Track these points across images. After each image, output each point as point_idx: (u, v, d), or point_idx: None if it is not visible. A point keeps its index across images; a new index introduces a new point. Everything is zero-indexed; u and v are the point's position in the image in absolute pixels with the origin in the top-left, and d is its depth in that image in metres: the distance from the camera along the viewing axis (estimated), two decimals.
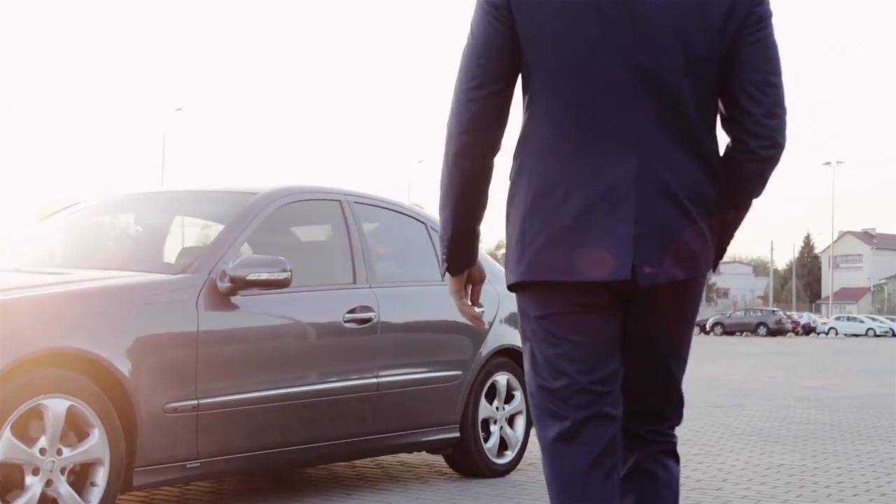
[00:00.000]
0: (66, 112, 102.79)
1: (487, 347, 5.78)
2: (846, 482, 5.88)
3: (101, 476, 3.93)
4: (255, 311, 4.61)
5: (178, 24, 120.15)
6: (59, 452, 3.83)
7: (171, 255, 4.98)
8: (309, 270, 4.97)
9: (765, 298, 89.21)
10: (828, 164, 74.60)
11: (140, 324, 4.16)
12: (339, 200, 5.35)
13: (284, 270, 4.49)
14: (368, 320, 5.08)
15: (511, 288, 2.39)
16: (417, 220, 5.85)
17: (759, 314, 59.02)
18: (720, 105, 2.33)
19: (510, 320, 5.82)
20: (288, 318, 4.78)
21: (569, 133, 2.24)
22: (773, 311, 59.85)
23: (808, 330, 62.23)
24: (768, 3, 2.30)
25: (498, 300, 5.90)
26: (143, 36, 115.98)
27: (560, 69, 2.24)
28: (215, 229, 5.00)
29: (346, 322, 4.99)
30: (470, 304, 2.52)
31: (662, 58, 2.21)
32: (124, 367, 4.02)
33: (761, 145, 2.31)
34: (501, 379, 5.88)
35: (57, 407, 3.80)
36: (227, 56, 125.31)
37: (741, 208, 2.41)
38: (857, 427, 8.82)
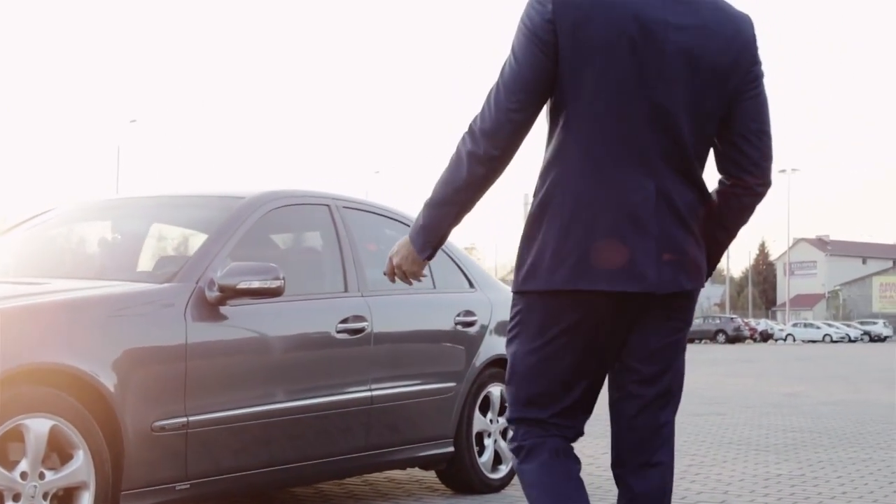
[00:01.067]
0: (20, 124, 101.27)
1: (481, 358, 5.55)
2: (850, 492, 5.72)
3: (86, 500, 3.64)
4: (245, 322, 4.34)
5: (133, 35, 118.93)
6: (42, 476, 3.54)
7: (151, 263, 4.71)
8: (298, 278, 4.71)
9: (721, 306, 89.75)
10: (783, 171, 75.17)
11: (126, 336, 3.88)
12: (327, 205, 5.09)
13: (277, 278, 4.23)
14: (361, 330, 4.83)
15: (535, 293, 2.57)
16: (407, 225, 5.61)
17: (718, 321, 59.31)
18: (720, 147, 2.69)
19: (501, 329, 5.60)
20: (279, 328, 4.51)
21: (597, 160, 2.52)
22: (732, 318, 60.18)
23: (766, 337, 62.68)
24: (761, 65, 2.69)
25: (490, 307, 5.69)
26: (97, 47, 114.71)
27: (594, 102, 2.51)
28: (198, 236, 4.74)
29: (338, 332, 4.73)
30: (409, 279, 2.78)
31: (677, 103, 2.54)
32: (110, 383, 3.74)
33: (757, 183, 2.70)
34: (495, 390, 5.65)
35: (39, 427, 3.52)
36: (181, 67, 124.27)
37: (732, 234, 2.78)
38: (843, 434, 8.69)
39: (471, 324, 5.53)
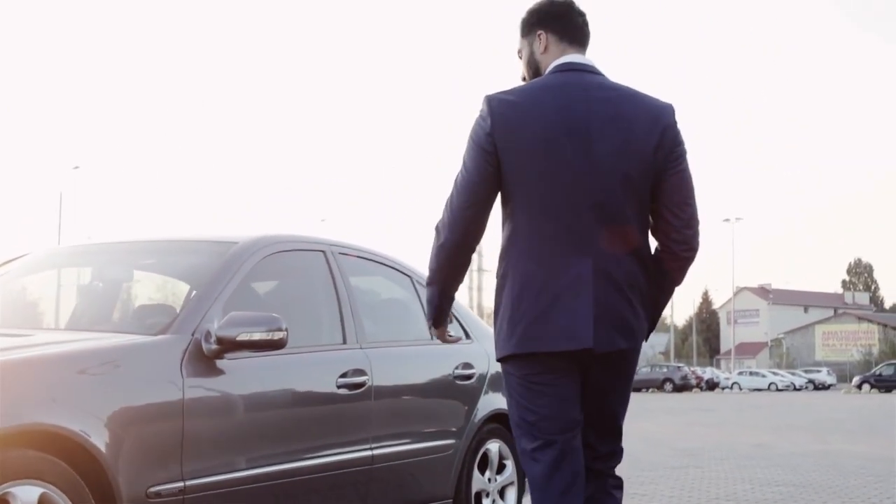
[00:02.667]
0: None
1: (479, 413, 5.26)
2: None
3: None
4: (244, 377, 4.01)
5: (76, 79, 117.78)
6: None
7: (138, 313, 4.36)
8: (296, 329, 4.37)
9: (666, 354, 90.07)
10: (727, 220, 75.90)
11: (119, 394, 3.53)
12: (323, 251, 4.79)
13: (279, 329, 3.92)
14: (362, 385, 4.52)
15: (502, 359, 3.17)
16: (403, 272, 5.32)
17: (665, 370, 59.32)
18: (650, 218, 3.15)
19: (498, 382, 5.31)
20: (279, 384, 4.18)
21: (542, 243, 3.02)
22: (679, 366, 60.22)
23: (712, 385, 62.80)
24: (684, 144, 3.13)
25: (488, 359, 5.41)
26: (39, 92, 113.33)
27: (534, 196, 3.01)
28: (185, 284, 4.41)
29: (339, 388, 4.42)
30: (448, 338, 3.51)
31: (612, 192, 3.02)
32: (103, 445, 3.39)
33: (681, 248, 3.13)
34: (493, 447, 5.35)
35: (27, 496, 3.15)
36: (125, 113, 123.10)
37: (667, 294, 3.23)
38: (832, 489, 8.47)
39: (469, 377, 5.25)
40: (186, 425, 3.69)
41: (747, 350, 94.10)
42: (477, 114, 3.07)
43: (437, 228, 3.14)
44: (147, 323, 4.14)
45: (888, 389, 52.76)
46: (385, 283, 5.29)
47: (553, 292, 2.99)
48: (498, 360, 3.19)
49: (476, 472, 5.25)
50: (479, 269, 66.96)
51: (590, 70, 3.15)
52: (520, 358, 3.08)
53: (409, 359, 4.98)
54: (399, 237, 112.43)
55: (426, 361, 5.10)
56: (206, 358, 3.84)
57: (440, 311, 3.32)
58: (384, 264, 5.25)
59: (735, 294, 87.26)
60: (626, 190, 3.02)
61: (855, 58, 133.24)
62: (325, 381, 4.38)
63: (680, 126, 3.14)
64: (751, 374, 67.56)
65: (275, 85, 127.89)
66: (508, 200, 3.06)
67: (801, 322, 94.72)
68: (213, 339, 3.86)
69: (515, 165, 3.00)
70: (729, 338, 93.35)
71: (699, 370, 65.93)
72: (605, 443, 3.26)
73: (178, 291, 4.47)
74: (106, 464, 3.39)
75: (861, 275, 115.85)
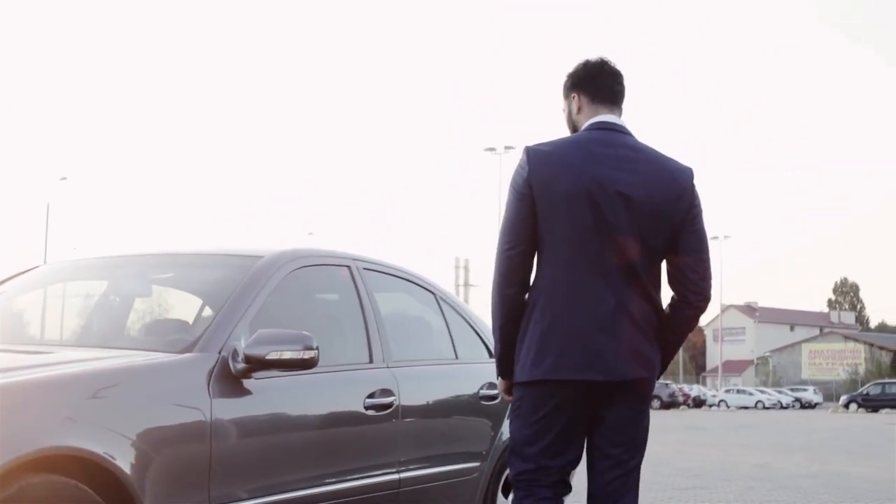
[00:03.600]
0: None
1: (504, 435, 5.07)
2: None
3: None
4: (272, 398, 3.82)
5: (63, 91, 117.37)
6: None
7: (159, 328, 4.18)
8: (322, 347, 4.18)
9: None
10: (715, 238, 75.85)
11: (145, 415, 3.34)
12: (348, 266, 4.61)
13: (310, 348, 3.74)
14: (389, 405, 4.34)
15: (523, 383, 3.41)
16: (427, 289, 5.15)
17: None
18: (669, 270, 3.49)
19: None
20: (308, 405, 4.00)
21: (569, 282, 3.34)
22: (667, 384, 60.06)
23: (699, 403, 62.69)
24: (700, 205, 3.48)
25: None
26: (26, 103, 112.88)
27: (565, 239, 3.34)
28: (209, 299, 4.23)
29: (366, 409, 4.24)
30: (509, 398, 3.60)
31: (629, 239, 3.33)
32: (128, 468, 3.20)
33: (697, 298, 3.48)
34: None
35: None
36: (113, 124, 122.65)
37: (681, 338, 3.57)
38: None
39: (494, 397, 5.07)
40: (214, 448, 3.50)
41: (733, 368, 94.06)
42: (516, 163, 3.46)
43: (493, 277, 3.48)
44: (167, 340, 3.95)
45: (875, 409, 52.72)
46: (408, 300, 5.12)
47: (580, 326, 3.31)
48: (517, 384, 3.44)
49: (500, 497, 5.08)
50: (466, 284, 66.98)
51: (619, 129, 3.49)
52: (540, 386, 3.36)
53: (436, 378, 4.81)
54: (399, 237, 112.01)
55: (452, 381, 4.93)
56: (233, 377, 3.66)
57: (504, 361, 3.51)
58: (407, 280, 5.08)
59: (722, 312, 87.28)
60: (644, 241, 3.36)
61: (841, 68, 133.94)
62: (353, 402, 4.20)
63: (697, 188, 3.50)
64: (738, 391, 67.50)
65: (272, 86, 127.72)
66: (541, 241, 3.37)
67: (787, 340, 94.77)
68: (240, 357, 3.67)
69: (548, 211, 3.34)
70: (714, 355, 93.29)
71: (686, 387, 65.81)
72: (623, 452, 3.49)
73: (195, 307, 4.29)
74: (132, 489, 3.20)
75: (847, 294, 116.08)
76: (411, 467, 4.43)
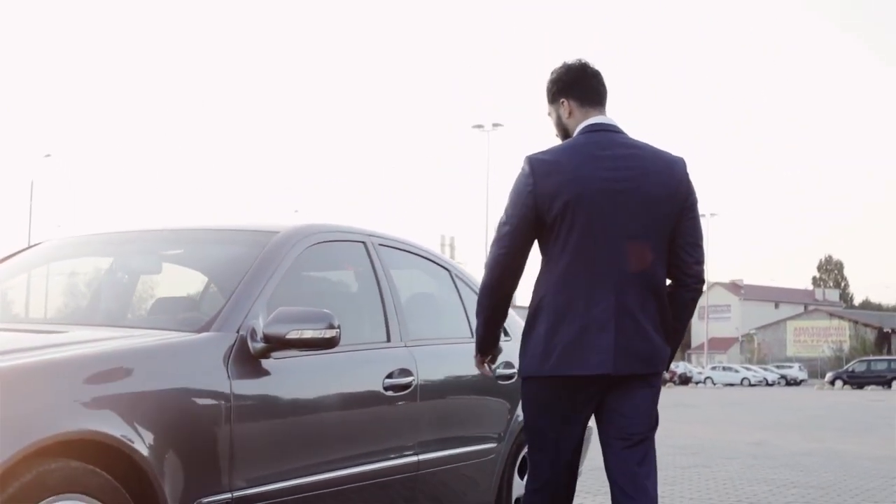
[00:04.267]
0: None
1: (520, 416, 4.95)
2: None
3: None
4: (291, 379, 3.69)
5: (48, 67, 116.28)
6: None
7: (170, 306, 4.02)
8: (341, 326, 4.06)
9: None
10: (703, 216, 75.58)
11: (165, 397, 3.21)
12: (363, 242, 4.47)
13: (332, 327, 3.60)
14: (408, 386, 4.21)
15: (533, 378, 3.54)
16: (442, 266, 5.01)
17: None
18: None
19: None
20: (328, 385, 3.87)
21: (573, 280, 3.44)
22: None
23: (685, 380, 62.86)
24: (695, 194, 3.59)
25: None
26: (9, 79, 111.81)
27: (570, 244, 3.44)
28: (221, 275, 4.08)
29: (385, 389, 4.11)
30: (488, 369, 3.86)
31: (635, 238, 3.44)
32: (149, 454, 3.07)
33: (693, 281, 3.59)
34: None
35: None
36: (97, 100, 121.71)
37: (683, 323, 3.63)
38: (850, 491, 8.25)
39: (511, 377, 4.94)
40: (234, 431, 3.37)
41: (718, 345, 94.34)
42: (519, 170, 3.52)
43: (485, 266, 3.62)
44: (181, 318, 3.81)
45: (860, 386, 52.96)
46: (423, 277, 4.98)
47: (581, 323, 3.41)
48: (524, 378, 3.58)
49: (516, 478, 4.97)
50: None
51: (613, 129, 3.61)
52: (546, 380, 3.48)
53: (453, 357, 4.67)
54: (385, 214, 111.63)
55: (469, 360, 4.77)
56: (252, 358, 3.52)
57: (485, 341, 3.72)
58: (422, 256, 4.94)
59: (707, 289, 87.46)
60: (647, 235, 3.46)
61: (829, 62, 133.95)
62: (372, 382, 4.07)
63: (691, 177, 3.62)
64: (723, 369, 67.70)
65: (270, 83, 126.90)
66: (547, 243, 3.49)
67: (772, 318, 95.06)
68: (259, 336, 3.54)
69: (555, 218, 3.44)
70: (699, 332, 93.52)
71: (672, 365, 65.91)
72: (629, 446, 3.53)
73: (206, 284, 4.14)
74: (151, 474, 3.07)
75: (831, 272, 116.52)
76: (430, 449, 4.31)
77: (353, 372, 4.03)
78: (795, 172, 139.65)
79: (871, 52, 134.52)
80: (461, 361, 4.73)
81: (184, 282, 4.21)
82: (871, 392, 45.47)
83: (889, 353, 75.14)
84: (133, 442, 3.04)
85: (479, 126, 53.33)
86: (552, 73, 3.73)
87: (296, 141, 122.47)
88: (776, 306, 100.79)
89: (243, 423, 3.42)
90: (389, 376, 4.13)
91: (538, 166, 3.48)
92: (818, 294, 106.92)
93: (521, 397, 3.62)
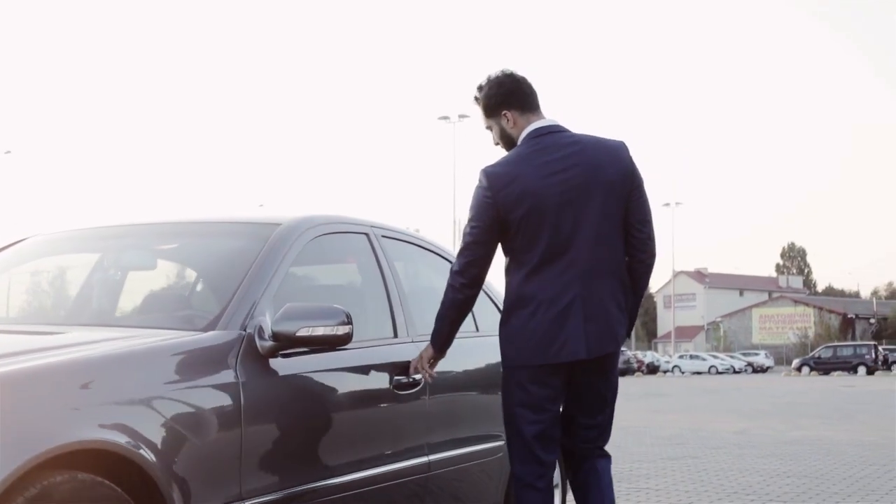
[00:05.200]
0: None
1: None
2: None
3: None
4: (299, 379, 3.49)
5: (7, 64, 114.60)
6: None
7: (167, 303, 3.81)
8: None
9: None
10: (667, 205, 76.07)
11: (173, 402, 3.00)
12: (366, 233, 4.28)
13: (344, 323, 3.41)
14: (417, 383, 4.03)
15: (512, 367, 3.82)
16: (444, 258, 4.82)
17: None
18: None
19: None
20: (339, 385, 3.68)
21: (542, 273, 3.71)
22: (622, 350, 60.28)
23: (653, 369, 63.05)
24: (640, 174, 3.83)
25: None
26: None
27: (536, 242, 3.71)
28: (219, 270, 3.88)
29: (395, 388, 3.92)
30: (431, 371, 4.00)
31: (596, 224, 3.71)
32: (159, 463, 2.87)
33: (645, 256, 3.85)
34: None
35: None
36: (58, 97, 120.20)
37: (638, 298, 3.92)
38: (845, 480, 8.16)
39: None
40: (245, 435, 3.17)
41: (685, 333, 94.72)
42: (476, 183, 3.76)
43: (450, 274, 3.87)
44: (181, 316, 3.61)
45: (826, 372, 53.36)
46: (426, 269, 4.79)
47: (552, 312, 3.67)
48: (505, 367, 3.83)
49: None
50: None
51: (557, 130, 3.82)
52: (523, 368, 3.74)
53: (459, 353, 4.46)
54: (351, 206, 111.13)
55: (474, 355, 4.62)
56: (260, 357, 3.33)
57: (448, 339, 3.94)
58: (424, 248, 4.75)
59: (673, 278, 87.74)
60: (606, 220, 3.71)
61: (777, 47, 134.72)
62: (381, 381, 3.89)
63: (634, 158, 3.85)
64: (691, 357, 67.95)
65: (232, 77, 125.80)
66: (513, 243, 3.74)
67: (737, 306, 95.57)
68: (267, 334, 3.34)
69: (517, 218, 3.69)
70: (665, 321, 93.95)
71: (640, 354, 66.12)
72: (591, 418, 3.88)
73: (207, 280, 3.93)
74: (163, 486, 2.87)
75: (794, 259, 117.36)
76: (440, 449, 4.14)
77: (363, 370, 3.84)
78: (758, 160, 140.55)
79: (828, 35, 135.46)
80: (468, 356, 4.57)
81: (181, 278, 3.99)
82: (839, 378, 45.76)
83: (853, 338, 75.75)
84: (141, 450, 2.84)
85: (446, 117, 53.17)
86: (482, 89, 3.90)
87: (260, 134, 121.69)
88: (741, 294, 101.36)
89: (254, 427, 3.22)
90: (398, 374, 3.95)
91: (495, 180, 3.72)
92: (782, 281, 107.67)
93: (501, 386, 3.85)
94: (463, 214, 3.76)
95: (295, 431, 3.41)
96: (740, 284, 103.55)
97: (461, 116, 52.13)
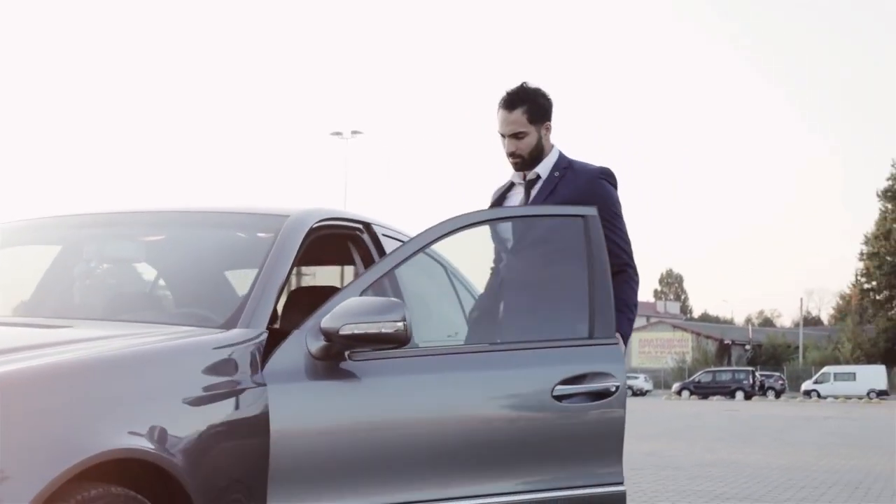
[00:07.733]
0: None
1: None
2: None
3: None
4: (329, 383, 3.14)
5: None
6: None
7: (178, 298, 3.44)
8: None
9: None
10: None
11: (200, 407, 2.65)
12: (366, 229, 3.96)
13: (398, 320, 3.03)
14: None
15: None
16: (437, 261, 4.53)
17: None
18: None
19: None
20: (394, 392, 3.30)
21: None
22: None
23: None
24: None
25: None
26: None
27: None
28: (219, 263, 3.53)
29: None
30: None
31: None
32: (190, 474, 2.52)
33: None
34: None
35: None
36: (20, 89, 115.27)
37: None
38: (784, 501, 8.12)
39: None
40: (274, 446, 2.82)
41: None
42: (606, 180, 3.88)
43: (631, 266, 4.08)
44: (190, 312, 3.25)
45: (705, 396, 54.38)
46: (421, 273, 4.48)
47: None
48: None
49: None
50: None
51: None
52: None
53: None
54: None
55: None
56: (303, 357, 2.98)
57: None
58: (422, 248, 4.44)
59: None
60: None
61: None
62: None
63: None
64: None
65: (128, 90, 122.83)
66: None
67: None
68: (317, 333, 2.99)
69: None
70: None
71: None
72: None
73: (215, 273, 3.57)
74: (196, 499, 2.51)
75: (672, 285, 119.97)
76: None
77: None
78: (638, 187, 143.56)
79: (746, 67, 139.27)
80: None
81: (187, 271, 3.59)
82: (719, 402, 46.69)
83: (730, 364, 77.62)
84: (176, 462, 2.49)
85: (338, 133, 52.72)
86: (536, 92, 3.74)
87: (153, 144, 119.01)
88: None
89: (282, 436, 2.86)
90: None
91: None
92: (660, 307, 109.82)
93: None
94: None
95: (325, 444, 3.00)
96: None
97: (354, 132, 51.78)
